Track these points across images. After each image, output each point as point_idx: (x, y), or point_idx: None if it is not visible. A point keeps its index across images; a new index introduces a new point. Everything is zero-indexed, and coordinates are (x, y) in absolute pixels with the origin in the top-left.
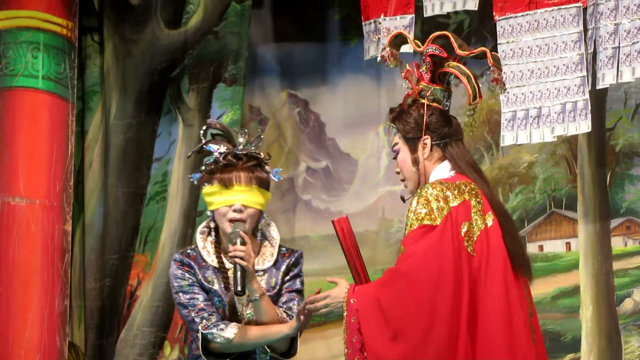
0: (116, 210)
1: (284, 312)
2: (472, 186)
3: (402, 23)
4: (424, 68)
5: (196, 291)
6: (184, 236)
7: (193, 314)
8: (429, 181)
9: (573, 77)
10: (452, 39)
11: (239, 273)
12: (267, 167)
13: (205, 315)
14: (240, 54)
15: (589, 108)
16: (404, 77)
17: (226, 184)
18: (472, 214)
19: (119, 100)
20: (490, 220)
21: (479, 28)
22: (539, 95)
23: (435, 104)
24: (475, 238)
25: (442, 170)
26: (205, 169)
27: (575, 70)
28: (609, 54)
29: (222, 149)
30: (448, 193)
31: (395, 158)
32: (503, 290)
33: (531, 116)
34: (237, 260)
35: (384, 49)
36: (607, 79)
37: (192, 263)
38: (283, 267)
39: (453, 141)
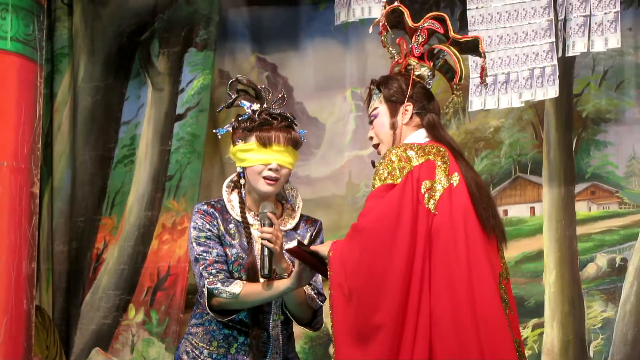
0: (84, 173)
1: (310, 284)
2: (440, 149)
3: None
4: (419, 39)
5: (211, 245)
6: (152, 200)
7: (201, 268)
8: None
9: (542, 43)
10: (449, 22)
11: (266, 257)
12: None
13: (213, 271)
14: (211, 18)
15: (557, 74)
16: (397, 42)
17: (265, 143)
18: (436, 173)
19: (87, 63)
20: (455, 180)
21: None
22: (507, 61)
23: (419, 80)
24: (437, 197)
25: (418, 137)
26: (240, 125)
27: (544, 37)
28: (580, 22)
29: (255, 106)
30: (411, 153)
31: (371, 122)
32: (465, 249)
33: (499, 82)
34: (264, 242)
35: (379, 21)
36: (577, 46)
37: (217, 213)
38: (307, 235)
39: (432, 114)
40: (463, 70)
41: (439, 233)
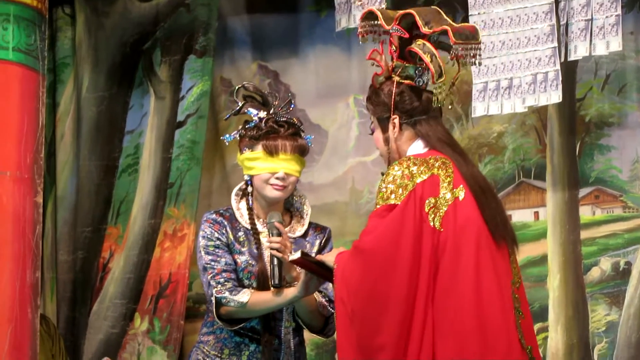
0: (89, 183)
1: (320, 291)
2: (443, 160)
3: None
4: (393, 47)
5: (220, 254)
6: (155, 208)
7: (209, 277)
8: None
9: (544, 48)
10: (417, 18)
11: (276, 266)
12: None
13: (221, 280)
14: (210, 25)
15: (560, 79)
16: (368, 58)
17: (272, 152)
18: (440, 189)
19: (91, 73)
20: (461, 193)
21: None
22: (510, 66)
23: (407, 81)
24: (442, 213)
25: (416, 149)
26: (246, 133)
27: (547, 41)
28: (582, 26)
29: (262, 113)
30: (414, 169)
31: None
32: (474, 262)
33: (502, 87)
34: (272, 252)
35: (360, 27)
36: (579, 51)
37: (226, 222)
38: (317, 242)
39: (423, 119)
40: (441, 68)
41: (444, 250)
